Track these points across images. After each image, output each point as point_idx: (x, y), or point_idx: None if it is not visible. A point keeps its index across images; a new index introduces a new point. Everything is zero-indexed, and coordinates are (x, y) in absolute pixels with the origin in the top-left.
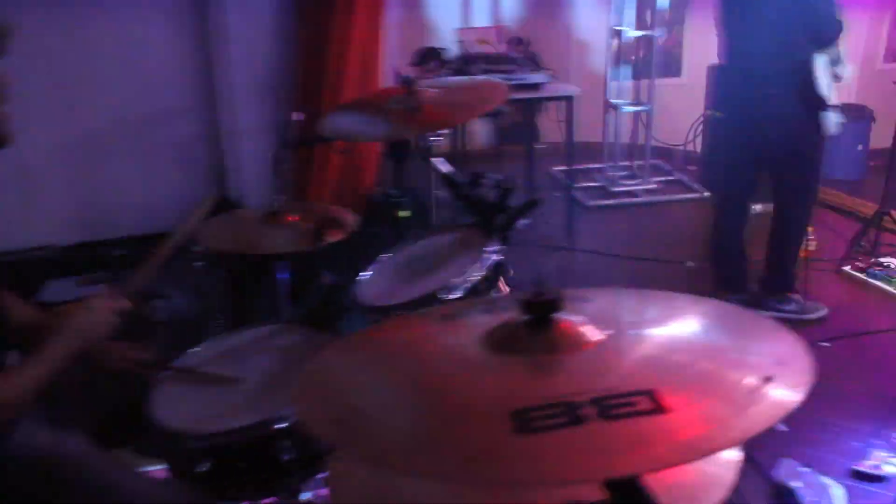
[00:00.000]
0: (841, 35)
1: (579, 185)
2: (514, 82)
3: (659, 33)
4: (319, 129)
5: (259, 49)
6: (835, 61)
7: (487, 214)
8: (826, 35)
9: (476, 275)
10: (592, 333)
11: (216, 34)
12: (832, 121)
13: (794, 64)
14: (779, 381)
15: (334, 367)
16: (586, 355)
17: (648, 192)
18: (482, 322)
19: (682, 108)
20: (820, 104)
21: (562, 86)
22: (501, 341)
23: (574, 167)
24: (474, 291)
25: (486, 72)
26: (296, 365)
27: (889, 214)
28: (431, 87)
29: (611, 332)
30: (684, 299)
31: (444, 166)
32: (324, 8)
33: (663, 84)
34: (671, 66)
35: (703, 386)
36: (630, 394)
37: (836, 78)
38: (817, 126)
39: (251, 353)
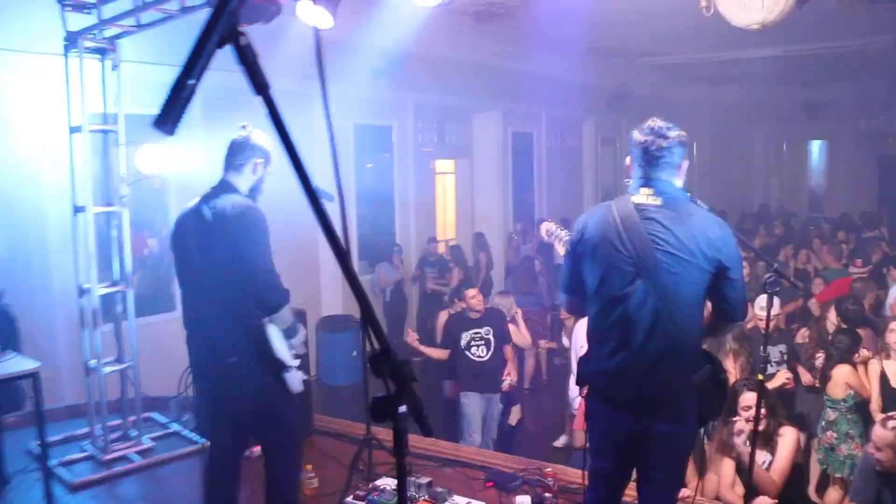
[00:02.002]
0: (286, 302)
1: (63, 459)
2: None
3: (129, 288)
4: None
5: None
6: (290, 332)
7: None
8: (270, 303)
9: None
10: None
11: None
12: (295, 379)
13: (248, 330)
14: None
15: None
16: None
17: (144, 452)
18: None
19: (177, 348)
20: (280, 366)
21: (22, 360)
22: None
23: (54, 439)
24: None
25: None
26: None
27: (375, 437)
28: None
29: None
30: None
31: None
32: None
33: (159, 321)
34: (168, 301)
35: None
36: None
37: (295, 350)
38: (283, 386)
39: None
